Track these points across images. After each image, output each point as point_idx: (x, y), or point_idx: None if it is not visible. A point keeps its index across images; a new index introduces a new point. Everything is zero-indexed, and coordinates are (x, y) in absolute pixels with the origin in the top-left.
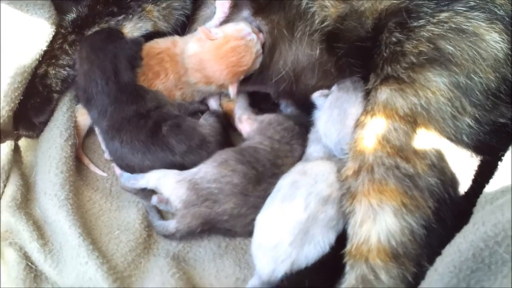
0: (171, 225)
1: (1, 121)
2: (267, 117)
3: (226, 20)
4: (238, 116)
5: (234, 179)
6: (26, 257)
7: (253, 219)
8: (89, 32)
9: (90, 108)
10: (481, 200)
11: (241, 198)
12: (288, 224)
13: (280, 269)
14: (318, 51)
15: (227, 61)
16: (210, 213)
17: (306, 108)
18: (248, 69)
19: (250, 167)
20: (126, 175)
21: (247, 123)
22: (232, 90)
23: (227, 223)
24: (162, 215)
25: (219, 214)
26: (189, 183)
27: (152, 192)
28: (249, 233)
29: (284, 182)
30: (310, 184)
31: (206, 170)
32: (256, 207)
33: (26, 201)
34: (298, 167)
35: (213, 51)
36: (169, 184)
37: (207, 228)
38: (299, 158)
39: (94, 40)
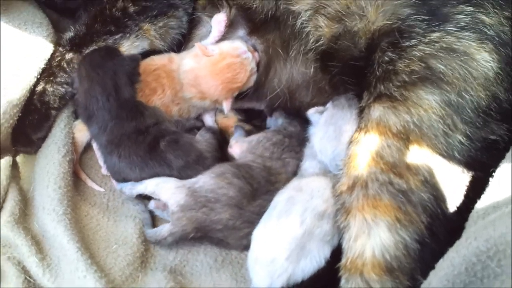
0: (165, 228)
1: (0, 137)
2: (255, 136)
3: (222, 39)
4: (229, 144)
5: (230, 191)
6: (24, 271)
7: (247, 234)
8: (87, 51)
9: (90, 124)
10: (473, 215)
11: (236, 211)
12: (285, 239)
13: (277, 284)
14: (312, 70)
15: (222, 77)
16: (205, 219)
17: (300, 124)
18: (242, 86)
19: (245, 182)
20: (122, 184)
21: (236, 146)
22: (226, 105)
23: (220, 233)
24: (155, 225)
25: (214, 222)
26: (188, 190)
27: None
28: (242, 247)
29: (281, 198)
30: (306, 200)
31: (204, 180)
32: (251, 222)
33: (24, 216)
34: (294, 183)
35: (209, 67)
36: (168, 188)
37: (200, 235)
38: (293, 172)
39: (93, 58)
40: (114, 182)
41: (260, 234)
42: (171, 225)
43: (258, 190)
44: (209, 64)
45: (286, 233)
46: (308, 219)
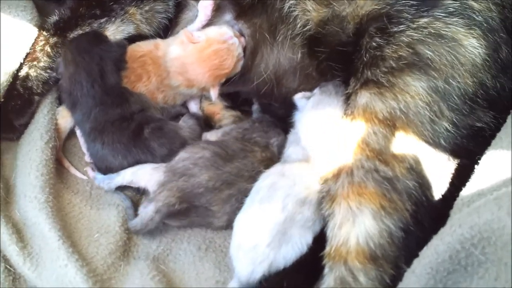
0: (149, 207)
1: None
2: (227, 127)
3: (209, 23)
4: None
5: (205, 153)
6: (4, 260)
7: (228, 196)
8: (72, 35)
9: (74, 111)
10: (458, 202)
11: (213, 171)
12: (266, 225)
13: (259, 270)
14: (299, 55)
15: (209, 64)
16: (187, 186)
17: (287, 110)
18: (229, 72)
19: (219, 147)
20: (100, 176)
21: (210, 136)
22: (213, 92)
23: (203, 198)
24: None
25: (195, 186)
26: (165, 168)
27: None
28: (225, 215)
29: (263, 184)
30: (288, 185)
31: (179, 155)
32: (230, 183)
33: (5, 203)
34: (277, 168)
35: (195, 54)
36: (145, 173)
37: (185, 206)
38: (264, 147)
39: (80, 43)
40: (90, 173)
41: (242, 220)
42: (154, 202)
43: (233, 155)
44: (196, 51)
45: (267, 218)
46: (289, 205)
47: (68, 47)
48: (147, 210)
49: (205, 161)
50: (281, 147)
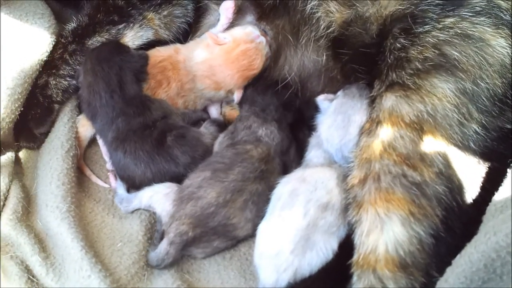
0: (163, 242)
1: (1, 132)
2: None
3: (230, 26)
4: None
5: (206, 174)
6: (27, 270)
7: (244, 202)
8: (90, 42)
9: (94, 121)
10: (490, 208)
11: (219, 186)
12: (289, 232)
13: (284, 278)
14: (324, 57)
15: (238, 65)
16: (196, 210)
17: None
18: (258, 72)
19: (216, 162)
20: (119, 196)
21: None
22: (237, 95)
23: (218, 216)
24: None
25: (205, 208)
26: (175, 192)
27: None
28: (249, 223)
29: (284, 190)
30: (310, 191)
31: (184, 183)
32: (240, 190)
33: (27, 213)
34: (298, 173)
35: (223, 56)
36: (158, 198)
37: (199, 231)
38: (255, 141)
39: (100, 52)
40: (112, 183)
41: (264, 228)
42: (166, 236)
43: (231, 163)
44: (223, 53)
45: (289, 225)
46: (311, 211)
47: (89, 55)
48: (161, 245)
49: (207, 180)
50: (272, 136)
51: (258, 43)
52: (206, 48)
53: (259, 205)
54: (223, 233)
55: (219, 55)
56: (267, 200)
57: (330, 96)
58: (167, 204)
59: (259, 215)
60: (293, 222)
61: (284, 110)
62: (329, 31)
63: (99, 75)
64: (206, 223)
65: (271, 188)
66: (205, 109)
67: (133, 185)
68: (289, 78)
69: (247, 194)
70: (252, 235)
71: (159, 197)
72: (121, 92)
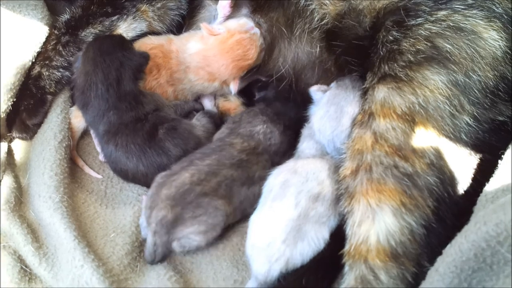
0: (148, 237)
1: None
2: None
3: (226, 19)
4: None
5: (183, 163)
6: (20, 260)
7: (217, 183)
8: (83, 33)
9: (85, 111)
10: (481, 199)
11: (193, 168)
12: (280, 222)
13: (275, 268)
14: (318, 49)
15: (232, 55)
16: (171, 191)
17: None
18: (253, 63)
19: (196, 152)
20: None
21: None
22: (233, 86)
23: (193, 192)
24: None
25: (179, 187)
26: (154, 187)
27: None
28: (224, 202)
29: (276, 182)
30: (301, 182)
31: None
32: (214, 173)
33: (20, 204)
34: (289, 164)
35: (217, 46)
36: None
37: (179, 209)
38: (248, 136)
39: (104, 44)
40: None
41: (256, 219)
42: (150, 226)
43: (210, 153)
44: (218, 43)
45: (281, 216)
46: (302, 201)
47: (92, 44)
48: (147, 239)
49: (184, 167)
50: (269, 136)
51: (253, 33)
52: (201, 39)
53: (233, 188)
54: (207, 204)
55: (214, 45)
56: (243, 187)
57: (324, 87)
58: (149, 201)
59: (234, 196)
60: (284, 213)
61: (296, 123)
62: (322, 23)
63: (99, 66)
64: (183, 199)
65: (251, 178)
66: (198, 101)
67: (126, 178)
68: (283, 70)
69: (221, 177)
70: (238, 217)
71: (145, 201)
72: (117, 87)
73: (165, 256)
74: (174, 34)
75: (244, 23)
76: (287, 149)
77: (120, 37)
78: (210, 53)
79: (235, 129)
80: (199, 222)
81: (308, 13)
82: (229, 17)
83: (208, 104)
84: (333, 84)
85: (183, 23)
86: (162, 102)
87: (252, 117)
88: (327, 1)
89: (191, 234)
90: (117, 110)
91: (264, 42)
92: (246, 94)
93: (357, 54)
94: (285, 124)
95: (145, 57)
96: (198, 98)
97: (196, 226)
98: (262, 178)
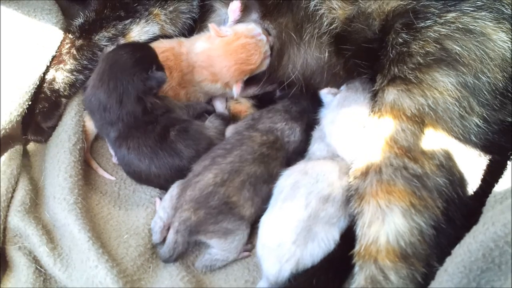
0: (169, 234)
1: (10, 126)
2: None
3: (236, 23)
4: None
5: (205, 162)
6: (35, 261)
7: (241, 182)
8: (97, 37)
9: (94, 119)
10: (490, 199)
11: (216, 168)
12: (290, 223)
13: (286, 269)
14: (327, 54)
15: (236, 58)
16: (195, 193)
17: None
18: (255, 68)
19: (217, 149)
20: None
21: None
22: (236, 89)
23: (217, 195)
24: None
25: (203, 189)
26: (178, 188)
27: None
28: (250, 204)
29: (286, 183)
30: (311, 183)
31: (189, 173)
32: (237, 171)
33: (35, 205)
34: (300, 166)
35: (222, 47)
36: (164, 200)
37: (203, 213)
38: (267, 131)
39: (118, 62)
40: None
41: (266, 220)
42: (172, 225)
43: (231, 148)
44: (223, 44)
45: (291, 216)
46: (312, 202)
47: (107, 56)
48: (168, 236)
49: (206, 167)
50: (290, 132)
51: (259, 40)
52: (208, 39)
53: (256, 186)
54: (228, 211)
55: (219, 46)
56: (264, 184)
57: (334, 90)
58: (170, 202)
59: (257, 196)
60: (295, 214)
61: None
62: (332, 27)
63: (104, 83)
64: (207, 203)
65: (270, 175)
66: (210, 103)
67: (140, 180)
68: (293, 77)
69: (244, 175)
70: (257, 218)
71: (167, 204)
72: (119, 107)
73: (179, 256)
74: (186, 37)
75: (252, 28)
76: (305, 148)
77: (139, 57)
78: (214, 53)
79: (254, 125)
80: (219, 228)
81: (317, 18)
82: (238, 21)
83: (219, 106)
84: (343, 87)
85: (194, 26)
86: (174, 104)
87: (273, 114)
88: (336, 6)
89: (208, 237)
90: (123, 122)
91: (270, 50)
92: (257, 96)
93: (367, 57)
94: (307, 123)
95: (159, 81)
96: (210, 100)
97: (216, 232)
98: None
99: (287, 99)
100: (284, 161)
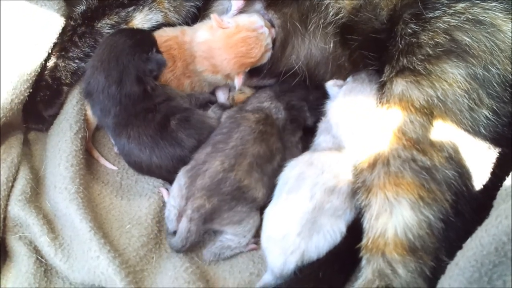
0: (182, 221)
1: (11, 113)
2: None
3: (239, 13)
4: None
5: (207, 149)
6: (36, 251)
7: (248, 164)
8: (99, 24)
9: (92, 104)
10: (501, 193)
11: (220, 155)
12: (295, 214)
13: (291, 261)
14: (332, 45)
15: (236, 51)
16: (206, 182)
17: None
18: (255, 61)
19: (215, 135)
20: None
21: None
22: (237, 81)
23: (228, 180)
24: None
25: (213, 176)
26: (184, 176)
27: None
28: (261, 185)
29: (291, 174)
30: (316, 174)
31: (191, 161)
32: (242, 154)
33: (36, 194)
34: (306, 156)
35: (223, 39)
36: (173, 190)
37: (216, 200)
38: (255, 110)
39: (118, 43)
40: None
41: (271, 211)
42: (184, 214)
43: (229, 131)
44: (224, 37)
45: (296, 208)
46: (317, 194)
47: (106, 39)
48: (181, 225)
49: (209, 154)
50: (277, 110)
51: (260, 33)
52: (209, 29)
53: (263, 166)
54: (241, 195)
55: (220, 38)
56: (268, 163)
57: (339, 81)
58: (183, 190)
59: (265, 175)
60: (300, 205)
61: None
62: (338, 17)
63: (103, 65)
64: (219, 190)
65: (271, 152)
66: (213, 93)
67: (141, 171)
68: (296, 67)
69: (250, 157)
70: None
71: (176, 192)
72: (119, 88)
73: (192, 246)
74: (190, 25)
75: (254, 20)
76: (293, 130)
77: (139, 39)
78: (215, 45)
79: (243, 107)
80: (234, 213)
81: (323, 7)
82: (242, 10)
83: (221, 96)
84: (349, 78)
85: (198, 15)
86: (174, 93)
87: (259, 94)
88: None
89: (224, 224)
90: (122, 105)
91: (271, 43)
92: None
93: (373, 48)
94: (288, 102)
95: (159, 63)
96: (213, 92)
97: (231, 218)
98: (280, 151)
99: (274, 86)
100: (279, 138)
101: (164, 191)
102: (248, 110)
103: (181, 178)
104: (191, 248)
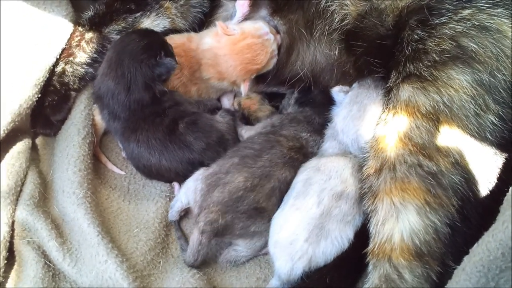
0: (193, 233)
1: (19, 118)
2: (261, 123)
3: (244, 20)
4: (239, 134)
5: (234, 160)
6: (44, 255)
7: (271, 189)
8: (107, 30)
9: (101, 108)
10: (508, 198)
11: (247, 171)
12: (303, 220)
13: (298, 266)
14: (337, 51)
15: (241, 57)
16: (224, 196)
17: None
18: (261, 68)
19: (244, 148)
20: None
21: (245, 132)
22: (244, 87)
23: (247, 199)
24: None
25: (232, 192)
26: (201, 180)
27: None
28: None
29: (298, 179)
30: (324, 180)
31: (213, 166)
32: (267, 176)
33: (44, 199)
34: (313, 162)
35: (229, 46)
36: (188, 187)
37: (230, 217)
38: (292, 138)
39: (127, 47)
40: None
41: (279, 217)
42: (197, 226)
43: (261, 150)
44: (229, 43)
45: (303, 214)
46: (325, 199)
47: (116, 43)
48: (192, 237)
49: (235, 166)
50: (314, 144)
51: (266, 39)
52: (215, 36)
53: (284, 193)
54: (257, 215)
55: (225, 45)
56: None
57: (345, 88)
58: (195, 194)
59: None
60: (307, 211)
61: None
62: (343, 23)
63: (113, 69)
64: (236, 208)
65: None
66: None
67: (150, 175)
68: (301, 73)
69: (275, 181)
70: None
71: (188, 186)
72: (127, 94)
73: (205, 260)
74: (196, 31)
75: (259, 27)
76: None
77: (146, 44)
78: (220, 52)
79: (277, 131)
80: (247, 233)
81: (329, 14)
82: (247, 17)
83: (226, 103)
84: (355, 84)
85: (205, 20)
86: (183, 99)
87: (296, 124)
88: (348, 2)
89: (239, 247)
90: (131, 110)
91: (276, 49)
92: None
93: (379, 54)
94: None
95: (168, 68)
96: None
97: (246, 237)
98: None
99: (306, 106)
100: None
101: (176, 186)
102: (283, 135)
103: (199, 181)
104: (203, 263)
